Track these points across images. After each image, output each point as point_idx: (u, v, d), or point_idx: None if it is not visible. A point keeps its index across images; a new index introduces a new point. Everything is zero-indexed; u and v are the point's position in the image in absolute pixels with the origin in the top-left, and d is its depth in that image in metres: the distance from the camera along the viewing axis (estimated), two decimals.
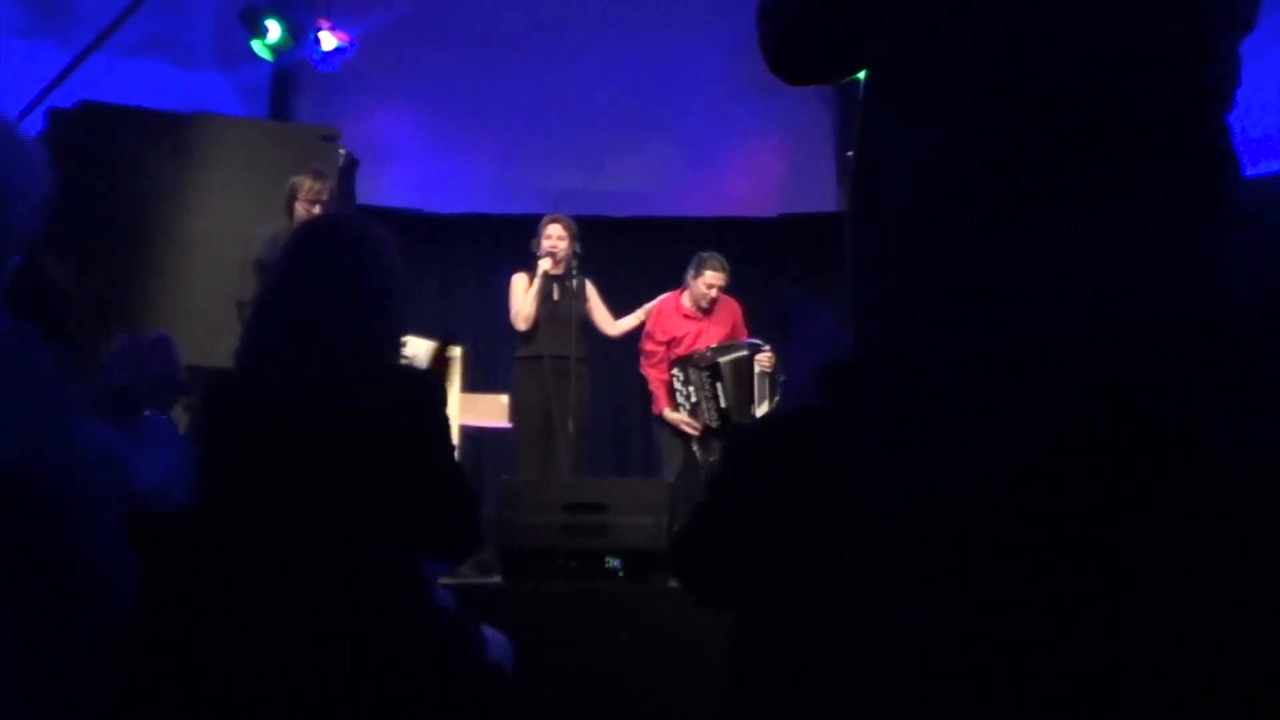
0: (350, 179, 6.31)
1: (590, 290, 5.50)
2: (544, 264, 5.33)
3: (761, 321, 5.91)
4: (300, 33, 6.66)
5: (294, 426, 1.93)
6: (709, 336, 5.67)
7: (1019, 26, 1.12)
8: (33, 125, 5.58)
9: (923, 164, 1.14)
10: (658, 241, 7.91)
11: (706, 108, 7.53)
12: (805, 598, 1.92)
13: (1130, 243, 1.07)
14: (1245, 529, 1.05)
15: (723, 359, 5.47)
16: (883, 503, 1.16)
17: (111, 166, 5.49)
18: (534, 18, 7.40)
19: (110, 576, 1.49)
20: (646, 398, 7.30)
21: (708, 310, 5.68)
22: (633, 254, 7.73)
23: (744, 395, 5.44)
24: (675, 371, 5.59)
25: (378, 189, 6.99)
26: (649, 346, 5.70)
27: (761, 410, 5.42)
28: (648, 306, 5.73)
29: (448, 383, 2.27)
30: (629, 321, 5.69)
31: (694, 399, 5.51)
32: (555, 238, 5.36)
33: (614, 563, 3.62)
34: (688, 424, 5.51)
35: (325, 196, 4.76)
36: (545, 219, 5.48)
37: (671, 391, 5.59)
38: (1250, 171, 1.19)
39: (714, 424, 5.46)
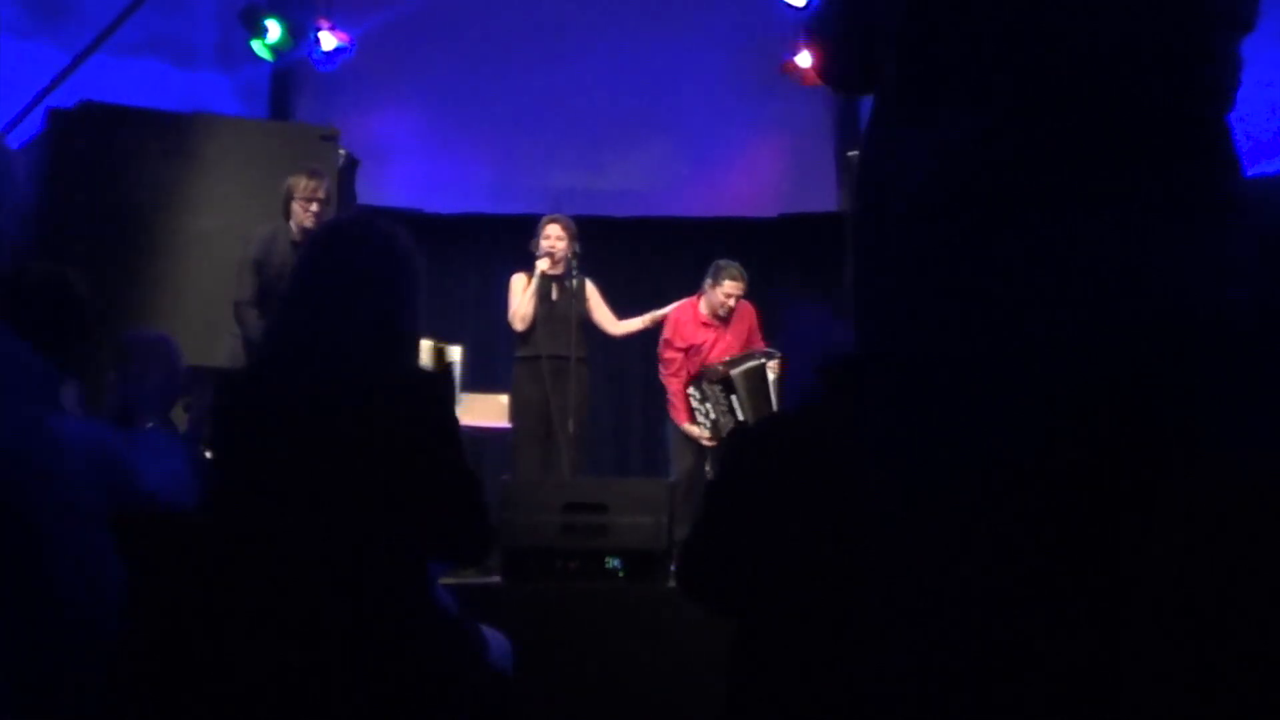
0: (350, 179, 6.32)
1: (591, 290, 5.49)
2: (541, 264, 5.33)
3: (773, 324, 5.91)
4: (300, 33, 6.66)
5: (303, 427, 1.93)
6: (727, 344, 5.65)
7: (1019, 27, 1.12)
8: (33, 125, 5.58)
9: (924, 165, 1.14)
10: (658, 241, 7.91)
11: (706, 108, 7.53)
12: (805, 597, 1.92)
13: (1130, 243, 1.07)
14: (1245, 529, 1.05)
15: (734, 371, 5.45)
16: (882, 503, 1.16)
17: (111, 166, 5.49)
18: (534, 18, 7.40)
19: (87, 573, 1.48)
20: (647, 398, 7.30)
21: (725, 318, 5.67)
22: (633, 254, 7.73)
23: (762, 404, 5.39)
24: (691, 390, 5.58)
25: (378, 189, 6.99)
26: (668, 354, 5.69)
27: None
28: (656, 314, 5.69)
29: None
30: (634, 324, 5.66)
31: (712, 416, 5.48)
32: (554, 238, 5.36)
33: (614, 563, 3.62)
34: (707, 440, 5.51)
35: (322, 195, 4.76)
36: (544, 219, 5.48)
37: (690, 409, 5.58)
38: (1250, 172, 1.19)
39: None
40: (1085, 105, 1.10)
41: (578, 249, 5.42)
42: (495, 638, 2.30)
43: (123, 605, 1.55)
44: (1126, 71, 1.11)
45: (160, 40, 6.54)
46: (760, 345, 5.66)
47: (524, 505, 3.73)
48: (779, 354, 5.45)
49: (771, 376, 5.44)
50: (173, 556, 1.84)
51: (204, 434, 3.26)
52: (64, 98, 5.67)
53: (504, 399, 5.60)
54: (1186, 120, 1.12)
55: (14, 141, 5.50)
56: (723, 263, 5.71)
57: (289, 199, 4.76)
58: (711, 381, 5.49)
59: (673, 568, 3.42)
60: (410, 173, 7.60)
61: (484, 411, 5.77)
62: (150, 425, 3.20)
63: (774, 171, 7.83)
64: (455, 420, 2.04)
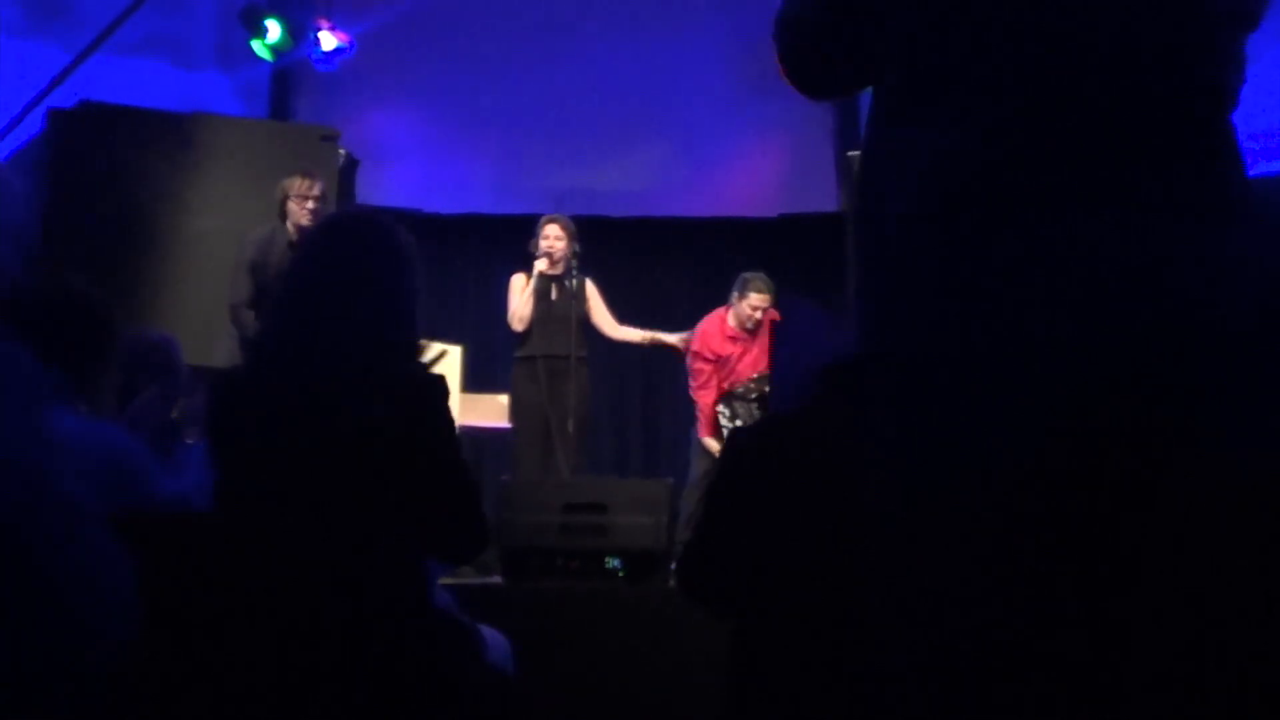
0: (350, 179, 6.32)
1: (591, 290, 5.49)
2: (540, 264, 5.32)
3: None
4: (300, 33, 6.66)
5: (300, 426, 1.93)
6: (754, 356, 5.64)
7: (1020, 27, 1.12)
8: (33, 125, 5.58)
9: (925, 165, 1.14)
10: (658, 241, 7.91)
11: (706, 108, 7.53)
12: (805, 598, 1.92)
13: (1131, 243, 1.07)
14: (1246, 529, 1.05)
15: (769, 388, 5.44)
16: (882, 503, 1.16)
17: (111, 166, 5.49)
18: (534, 18, 7.40)
19: (89, 575, 1.47)
20: (647, 397, 7.30)
21: (753, 331, 5.65)
22: (633, 254, 7.73)
23: None
24: (721, 407, 5.57)
25: (378, 189, 6.99)
26: (697, 366, 5.66)
27: None
28: (658, 336, 5.63)
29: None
30: (632, 335, 5.62)
31: None
32: (552, 238, 5.36)
33: (614, 563, 3.62)
34: None
35: (317, 193, 4.77)
36: (543, 219, 5.47)
37: (718, 427, 5.57)
38: (1253, 171, 1.19)
39: None
40: (1087, 105, 1.10)
41: (577, 249, 5.42)
42: (495, 638, 2.30)
43: (133, 607, 1.54)
44: (1129, 70, 1.11)
45: (160, 40, 6.54)
46: None
47: (524, 505, 3.73)
48: None
49: None
50: (169, 556, 1.84)
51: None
52: (64, 98, 5.67)
53: (504, 399, 5.60)
54: (1189, 119, 1.12)
55: (14, 142, 5.51)
56: (749, 275, 5.70)
57: (285, 199, 4.77)
58: (746, 400, 5.49)
59: (673, 567, 3.42)
60: (410, 173, 7.61)
61: (484, 411, 5.77)
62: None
63: (774, 171, 7.83)
64: (450, 419, 2.03)
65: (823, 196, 7.52)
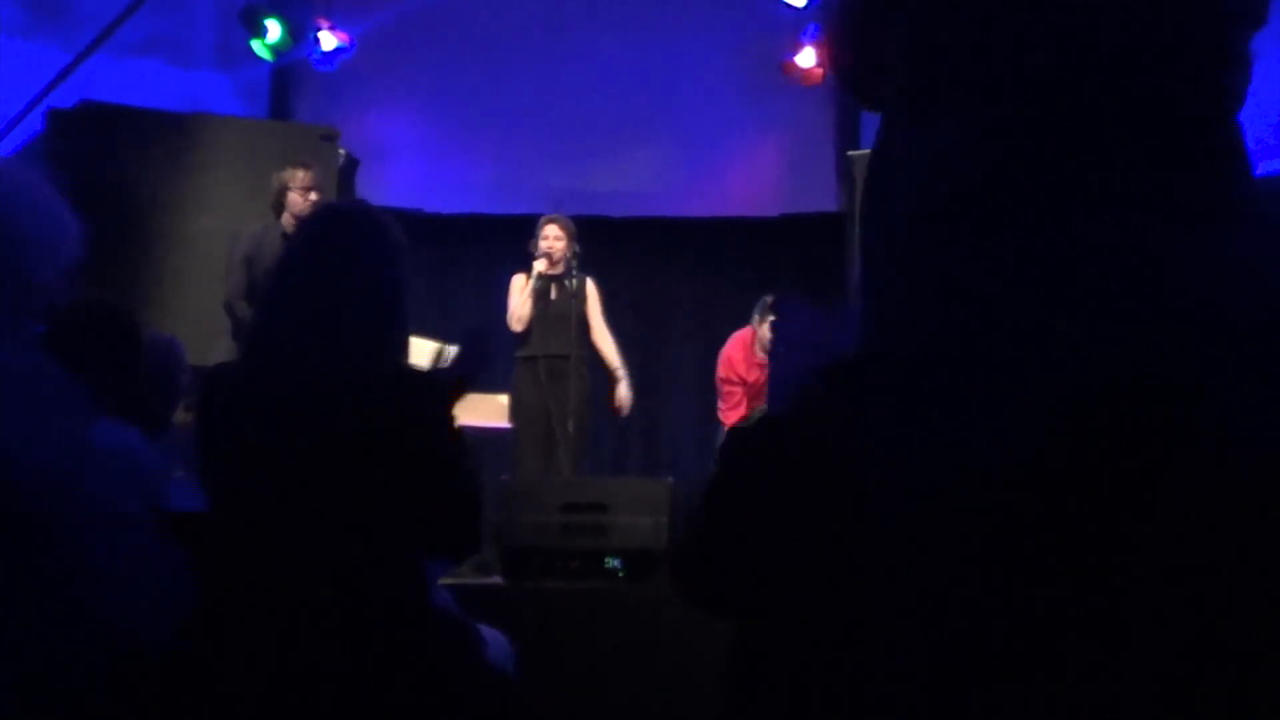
0: (350, 179, 6.32)
1: (591, 290, 5.47)
2: (538, 265, 5.32)
3: None
4: (300, 33, 6.67)
5: (293, 421, 1.91)
6: None
7: (1025, 28, 1.12)
8: (33, 125, 5.58)
9: (929, 165, 1.14)
10: (658, 241, 7.91)
11: (706, 108, 7.53)
12: (804, 598, 1.92)
13: (1133, 243, 1.06)
14: (1247, 530, 1.05)
15: None
16: (883, 503, 1.16)
17: (111, 166, 5.49)
18: (533, 18, 7.40)
19: (135, 583, 1.49)
20: (646, 397, 7.28)
21: None
22: (633, 254, 7.73)
23: None
24: None
25: (378, 189, 6.98)
26: (727, 389, 5.62)
27: None
28: (621, 390, 5.42)
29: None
30: (608, 353, 5.47)
31: None
32: (552, 238, 5.35)
33: (614, 563, 3.62)
34: None
35: (314, 183, 4.78)
36: (542, 219, 5.47)
37: None
38: (1258, 171, 1.18)
39: None
40: (1089, 105, 1.10)
41: (577, 249, 5.41)
42: (495, 638, 2.30)
43: (180, 601, 1.56)
44: (1131, 70, 1.10)
45: (160, 40, 6.54)
46: None
47: (524, 505, 3.73)
48: None
49: None
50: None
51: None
52: (64, 98, 5.67)
53: (504, 399, 5.60)
54: (1193, 119, 1.11)
55: (14, 142, 5.51)
56: (770, 299, 5.68)
57: (283, 191, 4.76)
58: None
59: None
60: (410, 173, 7.60)
61: (484, 411, 5.76)
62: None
63: (774, 171, 7.82)
64: (450, 415, 2.02)
65: (823, 196, 7.51)
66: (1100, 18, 1.11)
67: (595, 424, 5.77)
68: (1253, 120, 1.18)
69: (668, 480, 3.87)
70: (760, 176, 7.79)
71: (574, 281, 5.38)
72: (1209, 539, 1.05)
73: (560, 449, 5.15)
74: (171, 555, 1.55)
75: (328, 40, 6.84)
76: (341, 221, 2.08)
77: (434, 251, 7.66)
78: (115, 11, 5.80)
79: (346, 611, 1.85)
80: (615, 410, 5.51)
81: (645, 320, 7.82)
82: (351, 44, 6.93)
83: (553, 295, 5.35)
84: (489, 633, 2.27)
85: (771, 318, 5.56)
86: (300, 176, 4.76)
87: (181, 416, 3.53)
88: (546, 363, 5.25)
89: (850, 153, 6.51)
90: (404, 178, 7.54)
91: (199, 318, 5.10)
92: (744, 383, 5.58)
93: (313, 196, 4.72)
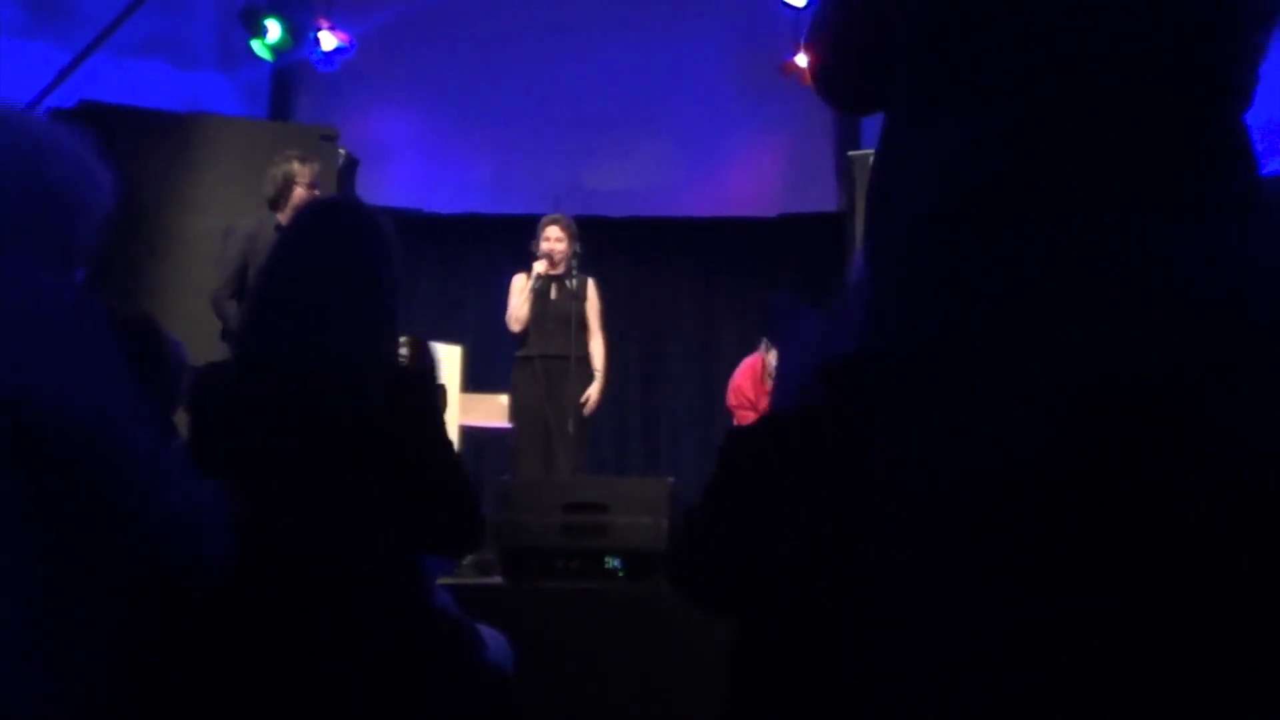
0: (350, 179, 6.31)
1: (590, 290, 5.46)
2: (539, 267, 5.31)
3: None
4: (300, 33, 6.66)
5: (288, 419, 1.90)
6: None
7: (1030, 28, 1.12)
8: None
9: (934, 167, 1.14)
10: (658, 241, 7.92)
11: (706, 108, 7.53)
12: (804, 598, 1.92)
13: (1138, 243, 1.06)
14: (1248, 530, 1.05)
15: None
16: (884, 503, 1.15)
17: (111, 166, 5.48)
18: (534, 18, 7.40)
19: (186, 529, 1.55)
20: (647, 397, 7.28)
21: None
22: (633, 254, 7.73)
23: None
24: None
25: (378, 189, 6.98)
26: (740, 414, 5.63)
27: None
28: (593, 395, 5.37)
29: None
30: (596, 356, 5.44)
31: None
32: (553, 239, 5.35)
33: (614, 563, 3.62)
34: None
35: (318, 179, 4.76)
36: (544, 219, 5.46)
37: None
38: (1266, 170, 1.18)
39: None
40: (1095, 104, 1.09)
41: (578, 249, 5.41)
42: (495, 638, 2.30)
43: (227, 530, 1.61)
44: (1138, 69, 1.10)
45: (160, 40, 6.55)
46: None
47: (524, 505, 3.73)
48: None
49: None
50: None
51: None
52: (64, 98, 5.67)
53: (504, 399, 5.60)
54: (1200, 118, 1.11)
55: None
56: None
57: (289, 185, 4.71)
58: None
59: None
60: (410, 173, 7.61)
61: (484, 411, 5.76)
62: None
63: (774, 171, 7.83)
64: (440, 410, 2.01)
65: (823, 196, 7.52)
66: (1105, 16, 1.11)
67: (595, 424, 5.77)
68: (1259, 119, 1.18)
69: (668, 480, 3.86)
70: (760, 176, 7.79)
71: (574, 281, 5.38)
72: (1210, 539, 1.05)
73: (560, 449, 5.15)
74: (215, 493, 1.60)
75: (328, 40, 6.84)
76: (331, 217, 2.06)
77: (434, 251, 7.67)
78: (115, 11, 5.80)
79: (345, 611, 1.85)
80: (583, 404, 5.43)
81: (645, 320, 7.83)
82: (351, 44, 6.93)
83: (553, 295, 5.34)
84: (489, 633, 2.27)
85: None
86: (310, 170, 4.73)
87: (180, 418, 3.53)
88: (546, 363, 5.25)
89: (850, 153, 6.51)
90: (404, 178, 7.55)
91: (198, 318, 5.09)
92: (755, 408, 5.58)
93: (315, 193, 4.69)
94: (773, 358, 5.57)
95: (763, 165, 7.79)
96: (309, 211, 2.19)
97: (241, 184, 5.58)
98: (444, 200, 7.61)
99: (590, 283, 5.46)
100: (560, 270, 5.35)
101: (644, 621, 3.42)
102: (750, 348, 6.03)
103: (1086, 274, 1.06)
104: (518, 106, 7.41)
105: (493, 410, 5.73)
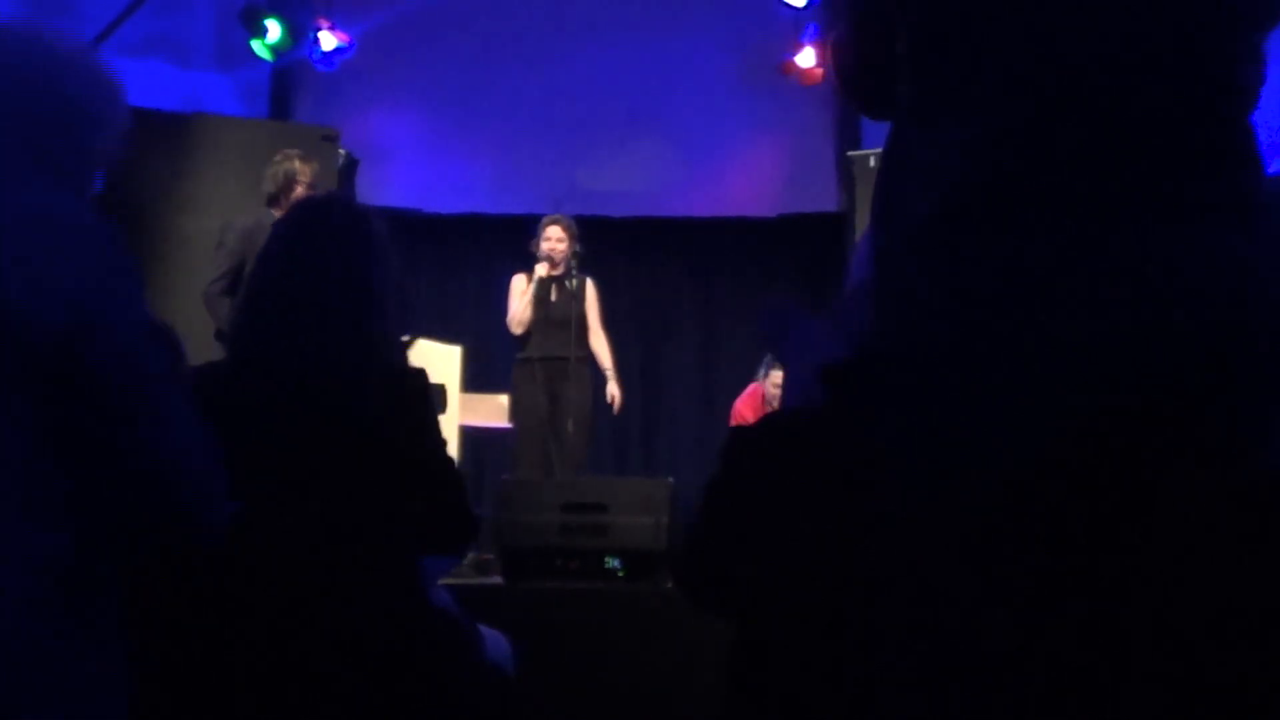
0: (350, 179, 6.31)
1: (590, 290, 5.46)
2: (540, 268, 5.31)
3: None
4: (300, 33, 6.66)
5: (282, 419, 1.90)
6: None
7: (1034, 30, 1.12)
8: None
9: (940, 168, 1.14)
10: (658, 241, 7.92)
11: (706, 108, 7.53)
12: (806, 598, 1.92)
13: (1141, 246, 1.06)
14: (1250, 531, 1.05)
15: None
16: (886, 503, 1.15)
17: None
18: (533, 18, 7.40)
19: (184, 463, 1.54)
20: (647, 397, 7.29)
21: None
22: (633, 254, 7.73)
23: None
24: None
25: (378, 189, 6.99)
26: None
27: None
28: (613, 388, 5.47)
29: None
30: (602, 356, 5.48)
31: None
32: (554, 240, 5.34)
33: (614, 563, 3.62)
34: None
35: (318, 178, 4.76)
36: (544, 220, 5.46)
37: None
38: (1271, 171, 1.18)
39: None
40: (1098, 106, 1.09)
41: (579, 249, 5.40)
42: (495, 638, 2.30)
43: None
44: (1142, 71, 1.10)
45: (160, 40, 6.54)
46: None
47: (524, 505, 3.73)
48: None
49: None
50: (161, 557, 1.83)
51: None
52: None
53: (504, 399, 5.60)
54: (1204, 120, 1.11)
55: None
56: (771, 356, 5.75)
57: (290, 184, 4.70)
58: None
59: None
60: (410, 173, 7.60)
61: (484, 411, 5.76)
62: None
63: (774, 171, 7.82)
64: (433, 409, 2.00)
65: (823, 196, 7.52)
66: (1105, 18, 1.11)
67: (595, 424, 5.77)
68: (1264, 121, 1.18)
69: (668, 480, 3.86)
70: (760, 176, 7.79)
71: (574, 282, 5.37)
72: (1210, 540, 1.05)
73: (560, 449, 5.15)
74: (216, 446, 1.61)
75: (328, 40, 6.84)
76: (322, 214, 2.06)
77: (434, 251, 7.67)
78: (115, 11, 5.80)
79: (344, 611, 1.85)
80: (610, 404, 5.52)
81: (645, 320, 7.82)
82: (351, 44, 6.93)
83: (553, 296, 5.34)
84: (489, 633, 2.27)
85: (774, 373, 5.62)
86: (313, 170, 4.73)
87: None
88: (546, 364, 5.25)
89: (850, 153, 6.51)
90: (404, 178, 7.55)
91: (198, 318, 5.09)
92: None
93: (314, 193, 4.70)
94: (770, 385, 5.61)
95: (762, 165, 7.79)
96: (301, 209, 2.19)
97: (241, 184, 5.58)
98: (444, 200, 7.60)
99: (589, 283, 5.46)
100: (560, 271, 5.35)
101: (644, 621, 3.42)
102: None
103: (1088, 275, 1.06)
104: (518, 106, 7.41)
105: (492, 410, 5.73)
